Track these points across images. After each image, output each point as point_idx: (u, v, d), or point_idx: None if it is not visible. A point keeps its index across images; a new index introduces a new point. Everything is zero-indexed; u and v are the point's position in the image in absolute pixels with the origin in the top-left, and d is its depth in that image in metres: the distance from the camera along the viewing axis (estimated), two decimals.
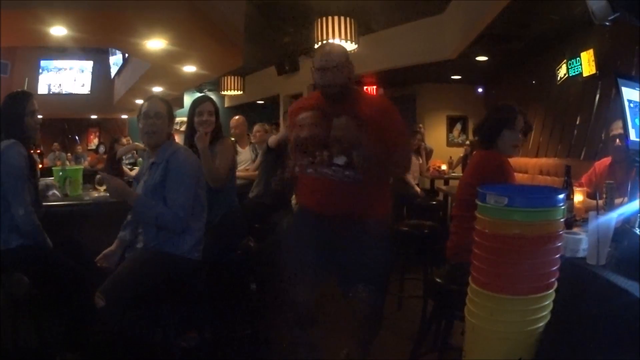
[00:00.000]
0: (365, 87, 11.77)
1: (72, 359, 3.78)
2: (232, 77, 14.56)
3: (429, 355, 3.81)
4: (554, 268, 2.06)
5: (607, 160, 4.34)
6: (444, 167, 10.16)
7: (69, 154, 15.17)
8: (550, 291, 2.06)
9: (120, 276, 3.48)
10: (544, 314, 2.04)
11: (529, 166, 8.43)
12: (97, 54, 21.29)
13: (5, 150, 3.62)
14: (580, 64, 7.59)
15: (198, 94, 14.39)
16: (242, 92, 15.01)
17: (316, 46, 7.72)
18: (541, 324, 2.03)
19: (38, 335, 3.91)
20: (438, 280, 3.55)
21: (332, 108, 3.36)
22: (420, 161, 9.21)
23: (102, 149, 15.79)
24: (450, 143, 12.51)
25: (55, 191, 5.01)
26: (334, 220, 3.39)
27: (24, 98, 3.83)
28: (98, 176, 5.02)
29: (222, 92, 15.58)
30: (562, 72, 8.22)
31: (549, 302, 2.06)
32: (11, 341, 3.84)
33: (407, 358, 3.78)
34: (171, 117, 3.80)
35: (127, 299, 3.44)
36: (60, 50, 19.16)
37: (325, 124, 3.32)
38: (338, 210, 3.40)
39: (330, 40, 7.56)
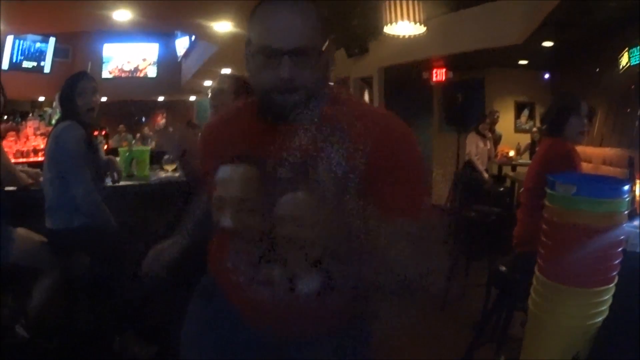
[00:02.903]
0: (433, 71, 11.66)
1: (131, 337, 3.84)
2: None
3: (486, 346, 3.76)
4: (617, 261, 2.01)
5: None
6: (511, 153, 10.05)
7: (138, 135, 15.38)
8: (611, 285, 2.01)
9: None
10: (603, 308, 1.99)
11: (592, 156, 8.27)
12: (163, 36, 21.59)
13: (61, 132, 3.68)
14: None
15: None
16: None
17: (385, 29, 7.63)
18: (599, 319, 1.99)
19: (97, 315, 3.98)
20: (502, 268, 3.50)
21: (287, 143, 1.42)
22: (489, 146, 9.12)
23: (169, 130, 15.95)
24: (518, 129, 12.34)
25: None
26: (288, 341, 1.80)
27: (75, 79, 3.85)
28: (165, 156, 5.06)
29: None
30: (624, 60, 8.01)
31: (609, 297, 2.01)
32: (67, 320, 3.92)
33: (466, 347, 3.73)
34: (239, 93, 3.79)
35: (189, 272, 3.48)
36: (125, 34, 19.44)
37: (271, 196, 1.45)
38: (295, 334, 1.77)
39: (399, 23, 7.44)
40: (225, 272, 1.72)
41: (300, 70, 1.50)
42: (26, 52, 18.49)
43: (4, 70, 16.42)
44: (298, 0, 1.53)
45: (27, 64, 18.41)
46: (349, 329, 1.78)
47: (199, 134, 1.99)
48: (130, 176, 5.03)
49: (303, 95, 1.52)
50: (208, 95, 3.79)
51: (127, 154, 5.14)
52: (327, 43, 1.57)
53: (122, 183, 4.41)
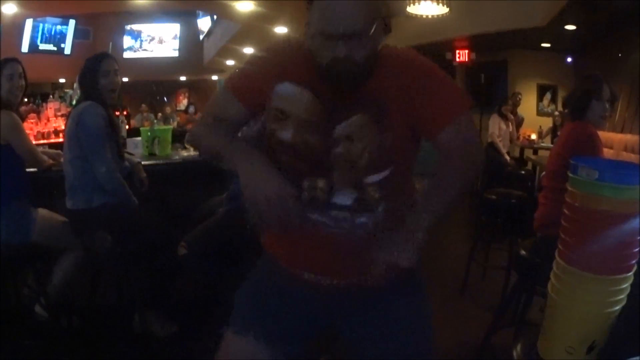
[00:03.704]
0: (457, 51, 11.58)
1: (152, 315, 3.87)
2: None
3: (505, 329, 3.75)
4: (636, 249, 1.99)
5: None
6: (533, 136, 9.99)
7: (159, 115, 15.43)
8: (630, 273, 1.99)
9: (204, 228, 3.56)
10: (622, 296, 1.97)
11: (614, 142, 8.20)
12: (184, 16, 21.65)
13: (82, 112, 3.69)
14: None
15: None
16: None
17: (408, 9, 7.59)
18: (618, 307, 1.97)
19: (118, 292, 4.01)
20: (523, 252, 3.48)
21: (342, 96, 1.84)
22: (511, 128, 9.07)
23: (191, 109, 16.00)
24: (540, 112, 12.26)
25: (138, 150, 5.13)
26: (339, 292, 1.97)
27: (97, 60, 3.85)
28: (188, 135, 5.09)
29: None
30: None
31: (627, 285, 1.99)
32: (88, 299, 3.95)
33: (485, 330, 3.73)
34: None
35: (208, 250, 3.50)
36: (146, 15, 19.52)
37: (325, 122, 1.86)
38: (344, 279, 1.94)
39: (423, 3, 7.40)
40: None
41: (352, 50, 1.72)
42: (46, 35, 18.58)
43: (24, 53, 16.48)
44: None
45: (47, 47, 18.51)
46: (398, 286, 1.98)
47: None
48: (152, 155, 5.06)
49: (357, 68, 1.76)
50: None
51: (150, 133, 5.17)
52: (375, 25, 1.77)
53: (144, 162, 4.42)
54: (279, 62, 1.95)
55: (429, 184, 1.84)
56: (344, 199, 1.86)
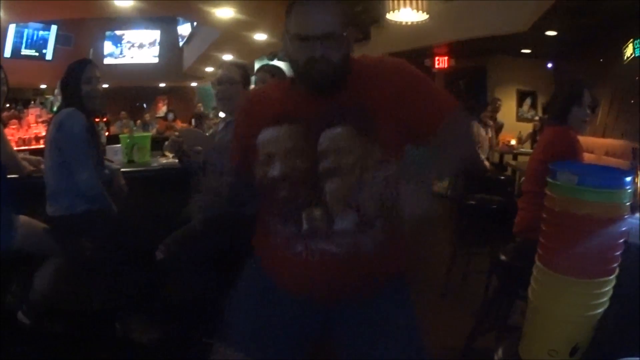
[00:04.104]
0: (435, 58, 11.63)
1: (133, 323, 3.85)
2: None
3: (487, 333, 3.76)
4: (618, 252, 2.00)
5: None
6: (513, 142, 10.04)
7: (138, 121, 15.38)
8: (612, 277, 2.01)
9: (181, 233, 3.55)
10: (604, 299, 1.99)
11: (595, 146, 8.27)
12: (165, 23, 21.64)
13: (64, 118, 3.68)
14: None
15: (268, 62, 14.49)
16: None
17: (388, 15, 7.62)
18: (600, 310, 1.99)
19: (98, 298, 3.99)
20: (503, 257, 3.50)
21: (320, 107, 1.94)
22: (490, 135, 9.11)
23: (170, 116, 15.97)
24: (519, 118, 12.33)
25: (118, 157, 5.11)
26: (333, 305, 2.08)
27: (81, 66, 3.84)
28: (167, 142, 5.08)
29: None
30: (629, 51, 8.00)
31: (609, 288, 2.01)
32: (70, 306, 3.93)
33: (467, 334, 3.74)
34: (246, 82, 3.81)
35: (186, 255, 3.50)
36: (127, 21, 19.51)
37: (312, 145, 1.92)
38: (346, 296, 2.03)
39: (402, 10, 7.42)
40: (271, 243, 2.06)
41: (328, 50, 1.88)
42: (28, 40, 18.51)
43: (6, 58, 16.40)
44: None
45: (29, 52, 18.43)
46: (389, 289, 2.10)
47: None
48: (131, 162, 5.03)
49: (332, 68, 1.90)
50: (210, 81, 3.83)
51: (129, 140, 5.15)
52: (347, 29, 1.94)
53: (123, 169, 4.40)
54: (250, 117, 2.17)
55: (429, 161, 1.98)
56: (344, 223, 1.91)
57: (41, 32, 18.82)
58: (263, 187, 2.01)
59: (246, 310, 2.12)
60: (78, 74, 3.77)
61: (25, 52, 18.27)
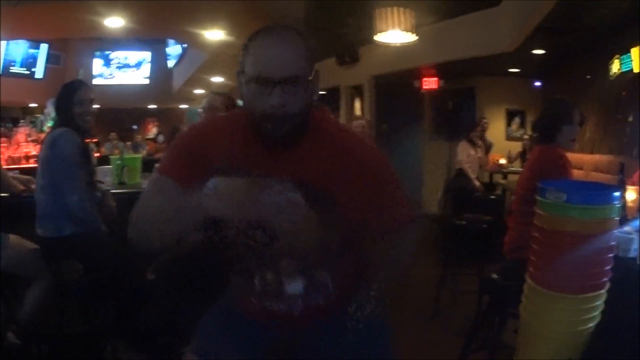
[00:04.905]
0: (424, 79, 11.67)
1: (122, 345, 3.83)
2: None
3: (479, 353, 3.76)
4: (607, 267, 2.02)
5: None
6: (502, 161, 10.05)
7: (127, 143, 15.36)
8: (602, 291, 2.03)
9: (172, 256, 3.55)
10: (595, 314, 2.01)
11: (584, 163, 8.29)
12: (155, 44, 21.66)
13: (56, 138, 3.67)
14: (631, 60, 7.38)
15: None
16: None
17: (375, 37, 7.66)
18: (591, 324, 2.00)
19: (87, 321, 3.97)
20: (494, 276, 3.51)
21: (276, 164, 1.75)
22: (480, 154, 9.14)
23: (161, 138, 15.98)
24: (509, 137, 12.37)
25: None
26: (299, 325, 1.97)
27: (73, 87, 3.84)
28: (156, 164, 5.07)
29: None
30: (615, 67, 8.03)
31: (600, 302, 2.02)
32: (58, 327, 3.90)
33: (457, 355, 3.74)
34: (231, 109, 3.83)
35: (175, 277, 3.49)
36: (117, 42, 19.51)
37: (265, 212, 1.73)
38: (304, 324, 1.94)
39: (390, 32, 7.47)
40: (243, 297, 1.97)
41: (289, 98, 1.62)
42: (18, 58, 18.47)
43: None
44: (288, 33, 1.68)
45: (18, 70, 18.39)
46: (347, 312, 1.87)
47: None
48: (122, 184, 5.02)
49: (290, 124, 1.67)
50: (200, 104, 3.84)
51: (119, 161, 5.14)
52: (313, 73, 1.70)
53: (114, 190, 4.39)
54: (202, 144, 1.86)
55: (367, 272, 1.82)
56: (295, 287, 1.84)
57: (31, 50, 18.78)
58: (217, 247, 1.81)
59: (213, 321, 2.09)
60: (70, 95, 3.77)
61: (14, 69, 18.21)
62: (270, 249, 1.73)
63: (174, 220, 1.67)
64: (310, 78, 1.68)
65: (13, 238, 3.79)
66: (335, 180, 1.72)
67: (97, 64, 22.24)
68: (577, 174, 8.16)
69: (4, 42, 16.68)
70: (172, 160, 1.90)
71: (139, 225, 1.90)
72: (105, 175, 5.15)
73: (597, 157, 8.22)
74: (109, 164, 5.33)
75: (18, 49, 18.42)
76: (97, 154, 7.41)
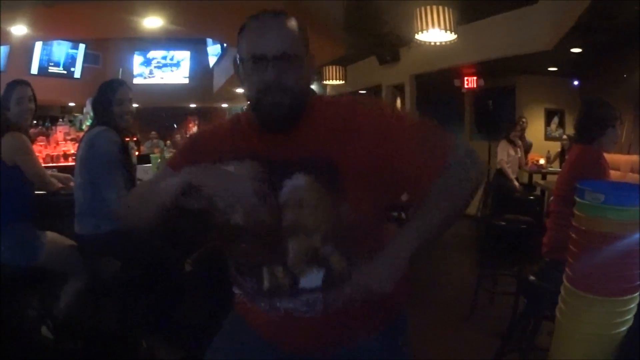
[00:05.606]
0: (465, 78, 11.61)
1: (158, 342, 3.86)
2: (334, 67, 14.35)
3: (512, 354, 3.73)
4: None
5: None
6: (542, 161, 9.96)
7: (168, 141, 15.46)
8: (636, 294, 1.99)
9: (210, 249, 3.57)
10: (628, 317, 1.98)
11: (620, 163, 8.16)
12: (195, 43, 21.74)
13: (95, 137, 3.70)
14: None
15: None
16: (344, 82, 14.91)
17: (416, 36, 7.64)
18: (624, 328, 1.98)
19: (123, 318, 4.00)
20: (531, 277, 3.48)
21: (279, 146, 1.73)
22: (519, 154, 9.07)
23: None
24: (548, 137, 12.25)
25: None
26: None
27: (113, 87, 3.86)
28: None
29: (324, 82, 15.57)
30: None
31: (633, 306, 1.99)
32: (93, 323, 3.94)
33: (493, 355, 3.71)
34: None
35: (213, 271, 3.51)
36: (156, 41, 19.62)
37: (271, 193, 1.68)
38: (323, 351, 1.81)
39: (430, 31, 7.44)
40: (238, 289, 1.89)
41: (283, 74, 1.65)
42: (61, 59, 18.70)
43: (33, 75, 16.56)
44: (278, 16, 1.72)
45: (57, 70, 18.61)
46: (378, 337, 1.83)
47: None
48: None
49: (288, 98, 1.66)
50: (241, 103, 3.85)
51: (159, 160, 5.19)
52: (307, 54, 1.73)
53: None
54: (214, 142, 1.87)
55: (420, 204, 1.63)
56: (311, 280, 1.69)
57: (69, 50, 18.99)
58: (221, 235, 1.69)
59: (224, 353, 1.95)
60: (110, 95, 3.79)
61: (52, 69, 18.43)
62: (278, 231, 1.66)
63: (154, 192, 1.64)
64: (304, 58, 1.70)
65: (50, 235, 3.83)
66: (343, 149, 1.67)
67: (137, 63, 22.41)
68: (613, 174, 8.06)
69: (39, 43, 16.89)
70: (177, 154, 2.01)
71: (128, 201, 1.99)
72: (146, 174, 5.20)
73: (634, 158, 8.10)
74: (149, 163, 5.38)
75: (60, 50, 18.63)
76: (137, 153, 7.48)
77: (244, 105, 3.97)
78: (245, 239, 1.67)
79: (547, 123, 12.34)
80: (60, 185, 4.14)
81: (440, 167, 1.61)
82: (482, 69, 11.05)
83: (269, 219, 1.65)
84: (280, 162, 1.69)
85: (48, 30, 9.00)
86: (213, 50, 21.24)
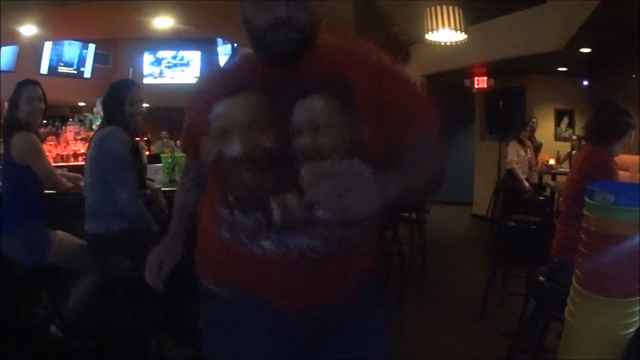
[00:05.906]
0: (476, 78, 11.58)
1: (168, 341, 3.86)
2: None
3: (522, 355, 3.73)
4: None
5: None
6: (552, 161, 9.93)
7: (178, 141, 15.48)
8: None
9: None
10: (637, 318, 1.97)
11: (629, 164, 8.13)
12: (205, 43, 21.71)
13: (106, 136, 3.70)
14: None
15: None
16: None
17: (426, 36, 7.63)
18: (632, 330, 1.97)
19: (133, 317, 4.01)
20: (541, 278, 3.47)
21: (287, 74, 1.65)
22: (529, 154, 9.05)
23: None
24: (558, 137, 12.20)
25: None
26: (309, 320, 1.70)
27: (124, 87, 3.88)
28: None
29: None
30: None
31: None
32: (103, 322, 3.95)
33: (503, 356, 3.71)
34: None
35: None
36: (166, 41, 19.61)
37: (280, 118, 1.59)
38: (317, 306, 1.68)
39: (440, 31, 7.43)
40: (222, 239, 1.72)
41: (294, 11, 1.59)
42: (66, 58, 18.73)
43: (43, 75, 16.59)
44: None
45: (67, 70, 18.63)
46: (365, 294, 1.77)
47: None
48: (172, 182, 5.05)
49: (294, 32, 1.60)
50: None
51: (170, 160, 5.18)
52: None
53: (164, 188, 4.42)
54: (204, 93, 1.81)
55: (401, 160, 1.60)
56: (329, 207, 1.35)
57: (79, 50, 19.01)
58: (216, 170, 1.67)
59: (219, 330, 1.85)
60: (122, 95, 3.81)
61: (62, 69, 18.45)
62: (288, 156, 1.56)
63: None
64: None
65: (60, 234, 3.84)
66: (353, 72, 1.64)
67: (147, 63, 22.43)
68: (623, 175, 8.03)
69: (49, 43, 16.91)
70: (182, 138, 2.03)
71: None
72: (156, 173, 5.20)
73: None
74: (159, 162, 5.38)
75: (72, 50, 18.66)
76: (147, 152, 7.49)
77: None
78: (247, 169, 1.60)
79: (557, 123, 12.30)
80: (70, 184, 4.15)
81: (428, 131, 1.67)
82: (492, 69, 11.03)
83: (274, 145, 1.56)
84: (288, 88, 1.61)
85: (58, 30, 9.01)
86: (223, 50, 21.23)
